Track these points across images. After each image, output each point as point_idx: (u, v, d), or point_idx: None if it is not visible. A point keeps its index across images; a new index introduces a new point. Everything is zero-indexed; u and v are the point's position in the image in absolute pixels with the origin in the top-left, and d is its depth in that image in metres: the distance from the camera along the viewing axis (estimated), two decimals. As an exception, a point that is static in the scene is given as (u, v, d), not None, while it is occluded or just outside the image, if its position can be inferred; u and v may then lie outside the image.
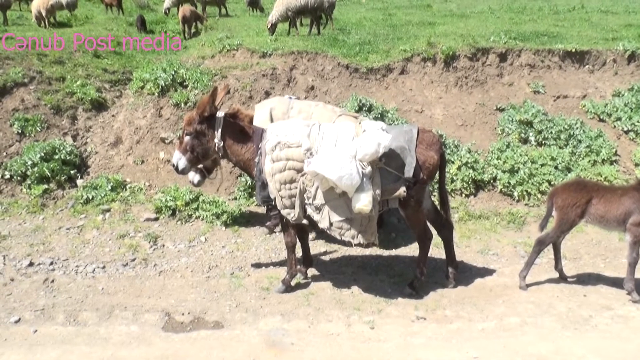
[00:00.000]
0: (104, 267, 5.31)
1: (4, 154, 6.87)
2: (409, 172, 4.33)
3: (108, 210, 6.33)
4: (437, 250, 5.45)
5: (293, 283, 4.94)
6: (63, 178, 6.69)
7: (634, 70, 8.77)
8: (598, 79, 8.72)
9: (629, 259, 4.66)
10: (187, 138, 4.61)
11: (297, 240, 4.91)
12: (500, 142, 7.42)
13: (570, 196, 4.72)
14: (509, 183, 6.82)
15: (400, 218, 6.03)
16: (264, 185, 4.50)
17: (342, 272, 5.27)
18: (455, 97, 8.25)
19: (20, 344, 4.05)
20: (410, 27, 11.39)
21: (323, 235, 5.27)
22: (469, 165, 6.96)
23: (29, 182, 6.56)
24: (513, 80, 8.57)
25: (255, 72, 8.01)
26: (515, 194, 6.80)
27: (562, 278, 5.11)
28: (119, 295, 4.81)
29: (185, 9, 12.55)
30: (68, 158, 6.84)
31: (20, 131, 7.09)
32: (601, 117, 8.00)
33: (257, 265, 5.41)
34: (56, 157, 6.75)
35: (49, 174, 6.57)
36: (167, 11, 15.10)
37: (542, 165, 7.02)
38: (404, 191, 4.33)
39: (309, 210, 4.44)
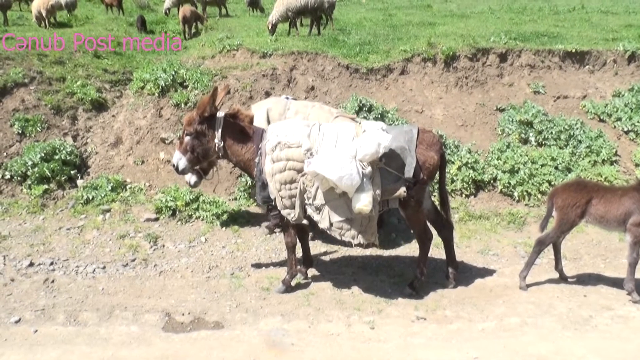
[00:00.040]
0: (104, 268, 5.31)
1: (4, 154, 6.87)
2: (409, 172, 4.33)
3: (108, 211, 6.33)
4: (437, 250, 5.45)
5: (293, 283, 4.94)
6: (63, 178, 6.69)
7: (634, 71, 8.77)
8: (598, 79, 8.72)
9: (629, 259, 4.66)
10: (187, 138, 4.61)
11: (297, 240, 4.91)
12: (500, 143, 7.42)
13: (570, 196, 4.72)
14: (509, 183, 6.82)
15: (401, 218, 6.03)
16: (264, 186, 4.50)
17: (342, 273, 5.27)
18: (456, 98, 8.25)
19: (21, 344, 4.05)
20: (410, 27, 11.39)
21: (323, 235, 5.27)
22: (469, 165, 6.96)
23: (29, 182, 6.56)
24: (513, 80, 8.57)
25: (256, 73, 8.01)
26: (516, 194, 6.80)
27: (563, 278, 5.11)
28: (119, 296, 4.81)
29: (186, 9, 12.55)
30: (68, 158, 6.85)
31: (20, 131, 7.09)
32: (601, 118, 8.00)
33: (258, 266, 5.41)
34: (56, 157, 6.75)
35: (49, 174, 6.58)
36: (168, 11, 15.10)
37: (542, 165, 7.02)
38: (404, 191, 4.33)
39: (309, 211, 4.45)
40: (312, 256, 5.28)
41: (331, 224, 4.38)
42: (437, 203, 5.23)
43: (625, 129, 7.77)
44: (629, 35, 9.79)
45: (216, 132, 4.55)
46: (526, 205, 6.75)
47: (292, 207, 4.44)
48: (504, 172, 6.94)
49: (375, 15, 14.07)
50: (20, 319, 4.38)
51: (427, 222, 4.84)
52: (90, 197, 6.48)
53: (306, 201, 4.40)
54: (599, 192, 4.71)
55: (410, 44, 8.96)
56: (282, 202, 4.44)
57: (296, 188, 4.38)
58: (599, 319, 4.42)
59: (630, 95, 8.16)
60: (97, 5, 16.73)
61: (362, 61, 8.53)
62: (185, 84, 7.93)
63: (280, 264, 5.37)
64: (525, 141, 7.55)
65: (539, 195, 6.76)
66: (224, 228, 6.15)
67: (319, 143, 4.32)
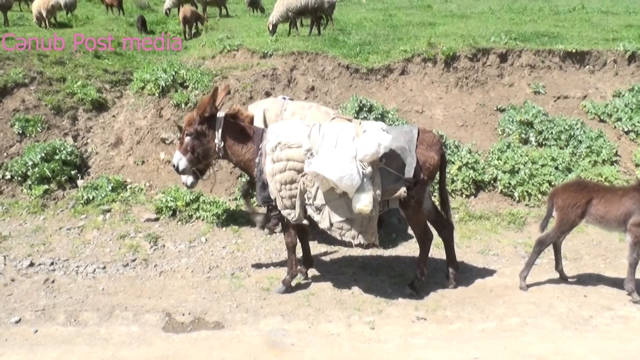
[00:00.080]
0: (104, 268, 5.31)
1: (5, 154, 6.87)
2: (409, 172, 4.33)
3: (108, 211, 6.33)
4: (437, 250, 5.45)
5: (293, 283, 4.94)
6: (64, 178, 6.69)
7: (635, 71, 8.77)
8: (598, 79, 8.72)
9: (629, 259, 4.66)
10: (187, 139, 4.62)
11: (298, 240, 4.92)
12: (500, 143, 7.42)
13: (570, 197, 4.72)
14: (510, 183, 6.82)
15: (401, 218, 6.03)
16: (265, 186, 4.50)
17: (342, 273, 5.27)
18: (456, 98, 8.25)
19: (21, 344, 4.05)
20: (410, 27, 11.40)
21: (323, 235, 5.27)
22: (469, 165, 6.96)
23: (29, 182, 6.57)
24: (513, 80, 8.57)
25: (256, 73, 8.02)
26: (516, 194, 6.80)
27: (563, 278, 5.11)
28: (119, 296, 4.81)
29: (186, 9, 12.56)
30: (69, 158, 6.85)
31: (20, 132, 7.09)
32: (602, 118, 8.00)
33: (258, 266, 5.41)
34: (57, 157, 6.76)
35: (49, 174, 6.58)
36: (168, 11, 15.11)
37: (542, 165, 7.02)
38: (405, 192, 4.33)
39: (310, 211, 4.45)
40: (312, 256, 5.28)
41: (331, 224, 4.38)
42: (437, 203, 5.23)
43: (626, 129, 7.77)
44: (629, 36, 9.79)
45: (216, 133, 4.56)
46: (526, 205, 6.75)
47: (293, 207, 4.44)
48: (504, 172, 6.94)
49: (375, 16, 14.07)
50: (20, 319, 4.38)
51: (427, 222, 4.84)
52: (91, 197, 6.49)
53: (306, 201, 4.40)
54: (599, 193, 4.71)
55: (411, 44, 8.96)
56: (283, 203, 4.44)
57: (296, 188, 4.38)
58: (599, 319, 4.42)
59: (631, 96, 8.16)
60: (97, 5, 16.74)
61: (362, 61, 8.53)
62: (185, 84, 7.94)
63: (281, 264, 5.38)
64: (526, 141, 7.55)
65: (539, 196, 6.76)
66: (224, 228, 6.16)
67: (319, 143, 4.32)
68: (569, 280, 5.13)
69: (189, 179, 4.96)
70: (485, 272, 5.30)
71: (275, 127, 4.59)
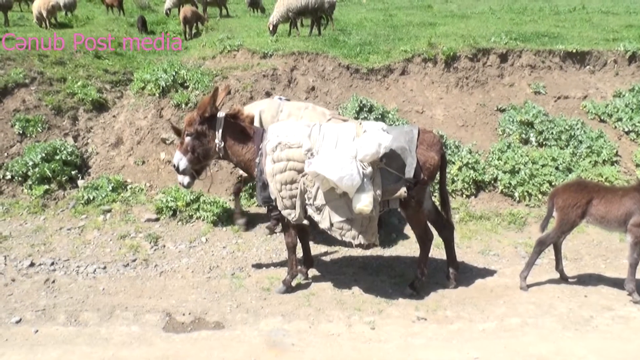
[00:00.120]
0: (104, 268, 5.31)
1: (5, 154, 6.88)
2: (409, 172, 4.33)
3: (109, 211, 6.34)
4: (437, 250, 5.45)
5: (294, 284, 4.94)
6: (64, 178, 6.70)
7: (635, 71, 8.77)
8: (599, 79, 8.72)
9: (629, 259, 4.65)
10: (188, 139, 4.62)
11: (298, 240, 4.92)
12: (501, 143, 7.42)
13: (571, 197, 4.72)
14: (510, 184, 6.82)
15: (401, 219, 6.03)
16: (265, 186, 4.50)
17: (342, 273, 5.27)
18: (456, 98, 8.25)
19: (22, 344, 4.06)
20: (410, 27, 11.40)
21: (323, 235, 5.27)
22: (469, 165, 6.96)
23: (30, 182, 6.57)
24: (514, 80, 8.57)
25: (256, 73, 8.02)
26: (516, 194, 6.80)
27: (563, 279, 5.11)
28: (119, 296, 4.82)
29: (187, 9, 12.57)
30: (69, 159, 6.85)
31: (21, 132, 7.10)
32: (602, 118, 8.00)
33: (258, 266, 5.41)
34: (57, 157, 6.76)
35: (50, 174, 6.58)
36: (168, 12, 15.12)
37: (542, 165, 7.02)
38: (405, 192, 4.33)
39: (310, 211, 4.45)
40: (312, 256, 5.28)
41: (332, 224, 4.38)
42: (437, 203, 5.23)
43: (626, 129, 7.77)
44: (629, 36, 9.79)
45: (217, 133, 4.56)
46: (527, 205, 6.75)
47: (293, 207, 4.44)
48: (504, 172, 6.94)
49: (375, 16, 14.07)
50: (21, 319, 4.38)
51: (427, 222, 4.84)
52: (91, 198, 6.49)
53: (307, 201, 4.41)
54: (599, 193, 4.71)
55: (411, 45, 8.96)
56: (283, 203, 4.44)
57: (297, 188, 4.38)
58: (600, 320, 4.42)
59: (631, 96, 8.16)
60: (97, 5, 16.75)
61: (362, 61, 8.53)
62: (185, 84, 7.94)
63: (281, 264, 5.38)
64: (526, 141, 7.55)
65: (540, 196, 6.76)
66: (224, 228, 6.16)
67: (320, 143, 4.32)
68: (570, 280, 5.12)
69: (185, 179, 4.96)
70: (486, 273, 5.30)
71: (275, 127, 4.59)
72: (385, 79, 8.40)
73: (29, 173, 6.59)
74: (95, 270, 5.25)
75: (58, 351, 3.95)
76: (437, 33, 10.10)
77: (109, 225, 6.11)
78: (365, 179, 4.19)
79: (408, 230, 5.97)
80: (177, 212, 6.29)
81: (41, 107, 7.44)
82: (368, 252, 5.60)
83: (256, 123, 5.24)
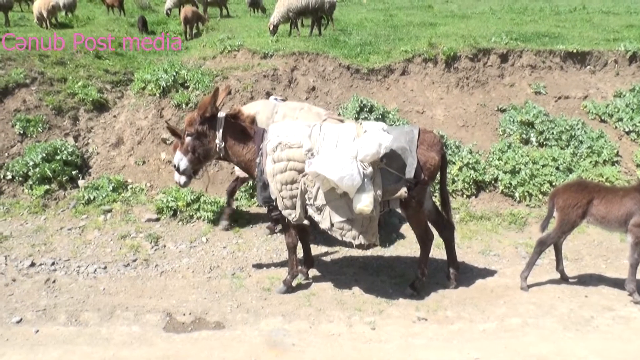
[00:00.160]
0: (105, 268, 5.31)
1: (6, 154, 6.88)
2: (410, 172, 4.33)
3: (109, 211, 6.34)
4: (438, 251, 5.45)
5: (294, 284, 4.94)
6: (64, 179, 6.70)
7: (635, 71, 8.77)
8: (599, 79, 8.72)
9: (630, 260, 4.65)
10: (188, 139, 4.61)
11: (298, 241, 4.92)
12: (501, 143, 7.42)
13: (571, 197, 4.72)
14: (510, 184, 6.82)
15: (402, 219, 6.03)
16: (265, 186, 4.50)
17: (343, 273, 5.28)
18: (457, 98, 8.25)
19: (22, 344, 4.06)
20: (411, 27, 11.40)
21: (324, 236, 5.28)
22: (470, 166, 6.96)
23: (30, 182, 6.57)
24: (514, 81, 8.57)
25: (257, 73, 8.02)
26: (517, 194, 6.79)
27: (564, 279, 5.11)
28: (120, 296, 4.82)
29: (187, 9, 12.57)
30: (69, 159, 6.86)
31: (22, 132, 7.10)
32: (602, 118, 8.00)
33: (259, 266, 5.41)
34: (58, 157, 6.76)
35: (50, 174, 6.59)
36: (169, 12, 15.13)
37: (543, 166, 7.01)
38: (405, 192, 4.33)
39: (310, 211, 4.45)
40: (313, 256, 5.28)
41: (332, 225, 4.38)
42: (438, 203, 5.23)
43: (627, 130, 7.77)
44: (630, 36, 9.79)
45: (217, 133, 4.56)
46: (527, 205, 6.75)
47: (293, 207, 4.44)
48: (505, 172, 6.93)
49: (376, 16, 14.07)
50: (21, 319, 4.38)
51: (428, 222, 4.84)
52: (92, 198, 6.50)
53: (307, 201, 4.41)
54: (600, 193, 4.71)
55: (411, 45, 8.96)
56: (283, 203, 4.44)
57: (297, 188, 4.38)
58: (601, 320, 4.42)
59: (632, 96, 8.16)
60: (98, 6, 16.76)
61: (363, 62, 8.53)
62: (186, 84, 7.94)
63: (281, 264, 5.38)
64: (527, 142, 7.55)
65: (540, 196, 6.76)
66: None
67: (320, 143, 4.32)
68: (570, 280, 5.12)
69: (181, 178, 4.96)
70: (486, 273, 5.30)
71: (276, 127, 4.60)
72: (386, 79, 8.40)
73: (30, 173, 6.59)
74: (95, 270, 5.26)
75: (59, 351, 3.96)
76: (437, 33, 10.10)
77: (109, 225, 6.11)
78: (365, 179, 4.19)
79: (408, 230, 5.96)
80: (178, 212, 6.29)
81: (42, 107, 7.44)
82: (368, 253, 5.60)
83: None
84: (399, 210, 4.79)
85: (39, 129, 7.16)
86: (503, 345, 4.06)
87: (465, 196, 6.85)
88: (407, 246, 5.88)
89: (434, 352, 3.98)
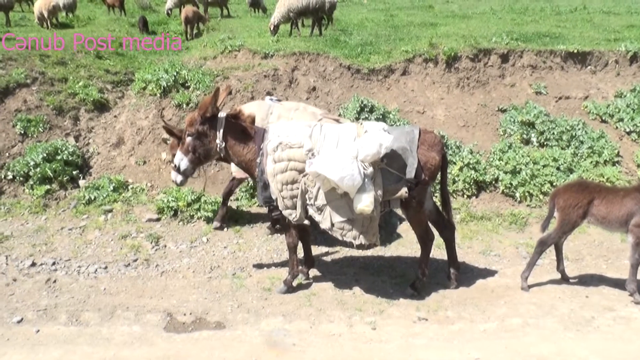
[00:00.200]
0: (106, 268, 5.32)
1: (7, 154, 6.89)
2: (410, 173, 4.33)
3: (110, 211, 6.34)
4: (438, 251, 5.45)
5: (295, 284, 4.94)
6: (65, 179, 6.71)
7: (636, 71, 8.76)
8: (600, 79, 8.71)
9: (631, 260, 4.65)
10: (189, 139, 4.62)
11: (299, 241, 4.92)
12: (502, 143, 7.41)
13: (572, 197, 4.72)
14: (511, 184, 6.82)
15: (402, 219, 6.03)
16: (266, 186, 4.50)
17: (343, 273, 5.27)
18: (457, 98, 8.25)
19: (23, 343, 4.06)
20: (411, 28, 11.40)
21: (324, 236, 5.28)
22: (470, 166, 6.96)
23: (31, 182, 6.58)
24: (515, 81, 8.57)
25: (257, 73, 8.02)
26: (517, 195, 6.79)
27: (564, 279, 5.11)
28: (121, 296, 4.82)
29: (188, 9, 12.58)
30: (70, 159, 6.86)
31: (22, 132, 7.11)
32: (603, 118, 7.99)
33: (259, 266, 5.41)
34: (58, 157, 6.77)
35: (51, 174, 6.59)
36: (169, 12, 15.13)
37: (544, 166, 7.01)
38: (406, 192, 4.33)
39: (311, 211, 4.45)
40: (313, 256, 5.28)
41: (333, 225, 4.38)
42: (438, 204, 5.23)
43: (627, 130, 7.77)
44: (630, 36, 9.79)
45: (218, 133, 4.56)
46: (528, 206, 6.74)
47: (294, 207, 4.44)
48: (505, 172, 6.93)
49: (376, 16, 14.07)
50: (22, 319, 4.39)
51: (428, 222, 4.84)
52: (92, 198, 6.50)
53: (308, 202, 4.41)
54: (600, 193, 4.71)
55: (412, 45, 8.96)
56: (284, 203, 4.44)
57: (298, 188, 4.38)
58: (601, 320, 4.41)
59: (632, 96, 8.16)
60: (99, 6, 16.77)
61: (363, 62, 8.54)
62: (187, 84, 7.95)
63: (282, 264, 5.38)
64: (527, 142, 7.55)
65: (541, 196, 6.75)
66: (225, 228, 6.16)
67: (321, 143, 4.32)
68: (571, 281, 5.12)
69: (178, 177, 4.97)
70: (487, 273, 5.30)
71: (276, 127, 4.60)
72: (386, 79, 8.40)
73: (31, 173, 6.59)
74: (96, 270, 5.26)
75: (59, 351, 3.96)
76: (438, 33, 10.10)
77: (110, 225, 6.12)
78: (366, 179, 4.19)
79: (409, 230, 5.96)
80: (178, 212, 6.30)
81: (42, 107, 7.45)
82: (369, 253, 5.60)
83: None
84: (399, 211, 4.79)
85: (40, 129, 7.17)
86: (504, 345, 4.05)
87: (465, 196, 6.85)
88: (407, 246, 5.88)
89: (434, 352, 3.98)
